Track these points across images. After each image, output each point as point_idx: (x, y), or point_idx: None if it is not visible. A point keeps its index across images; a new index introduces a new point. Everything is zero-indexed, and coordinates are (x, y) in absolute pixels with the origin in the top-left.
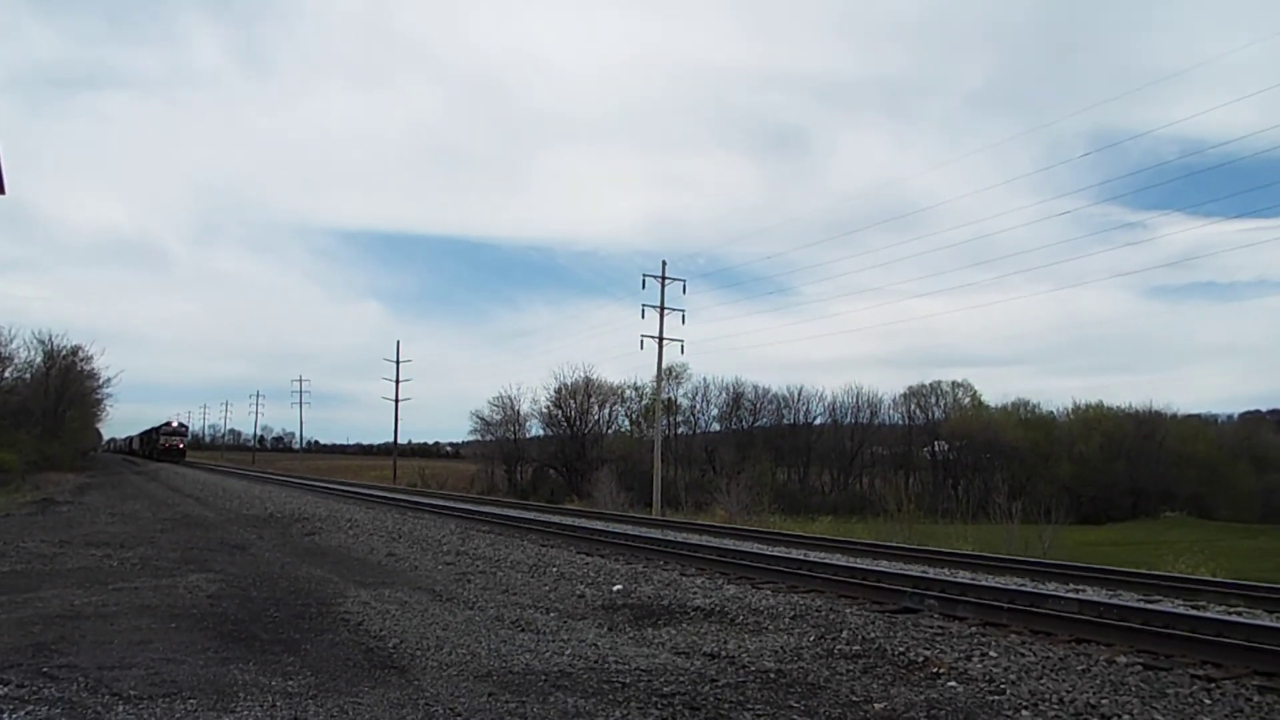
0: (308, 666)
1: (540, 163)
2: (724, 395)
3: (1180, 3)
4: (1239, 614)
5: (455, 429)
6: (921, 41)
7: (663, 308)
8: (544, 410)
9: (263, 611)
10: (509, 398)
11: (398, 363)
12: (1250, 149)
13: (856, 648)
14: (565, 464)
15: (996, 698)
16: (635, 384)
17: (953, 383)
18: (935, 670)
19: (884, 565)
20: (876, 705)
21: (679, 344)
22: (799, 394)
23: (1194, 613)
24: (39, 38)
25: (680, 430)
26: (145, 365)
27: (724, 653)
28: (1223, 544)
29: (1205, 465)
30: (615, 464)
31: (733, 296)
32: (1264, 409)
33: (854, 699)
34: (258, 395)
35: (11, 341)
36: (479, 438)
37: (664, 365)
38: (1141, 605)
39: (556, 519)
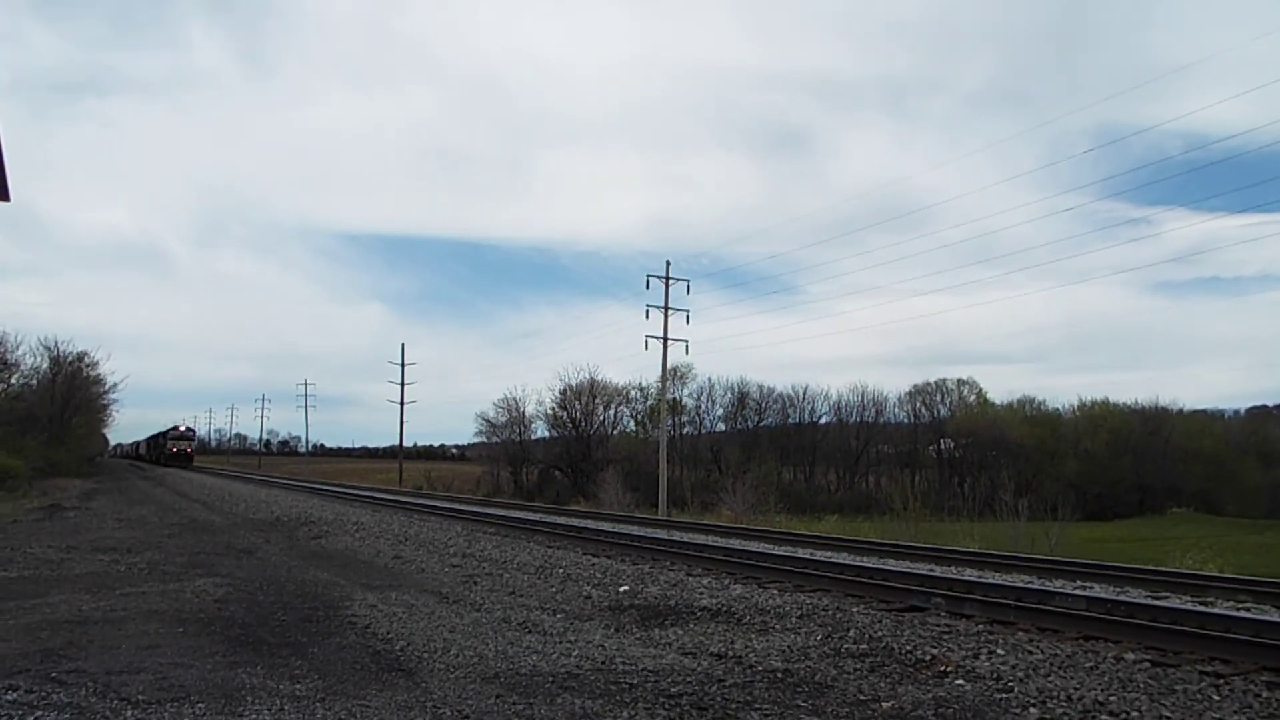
0: (315, 670)
1: (542, 163)
2: (729, 395)
3: None
4: (1247, 610)
5: (460, 431)
6: (923, 40)
7: (667, 308)
8: (549, 412)
9: (270, 615)
10: (514, 399)
11: (402, 365)
12: (1254, 144)
13: (864, 647)
14: (571, 465)
15: (1004, 695)
16: (640, 384)
17: (958, 380)
18: (943, 669)
19: (890, 564)
20: (884, 704)
21: (683, 344)
22: (804, 393)
23: (1202, 609)
24: (42, 43)
25: (685, 430)
26: (150, 370)
27: (731, 653)
28: (1230, 540)
29: (1212, 461)
30: (620, 465)
31: (737, 296)
32: (1270, 404)
33: (861, 698)
34: (263, 399)
35: (18, 348)
36: (484, 440)
37: (668, 365)
38: (1149, 602)
39: (562, 520)
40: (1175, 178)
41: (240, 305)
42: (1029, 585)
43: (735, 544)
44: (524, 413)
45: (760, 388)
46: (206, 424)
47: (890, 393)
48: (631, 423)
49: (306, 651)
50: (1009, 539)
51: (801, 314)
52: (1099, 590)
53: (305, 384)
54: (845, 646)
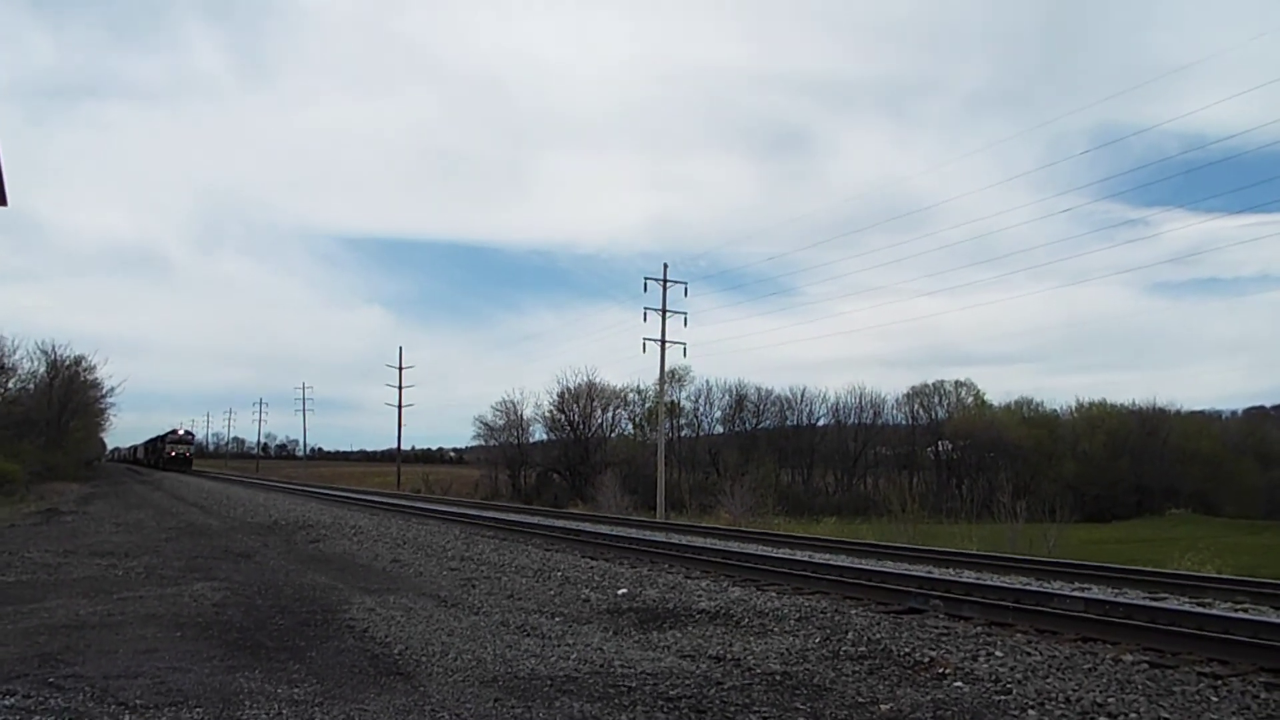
0: (313, 674)
1: (541, 166)
2: (727, 397)
3: None
4: (1245, 611)
5: (459, 434)
6: (921, 40)
7: (664, 310)
8: (547, 414)
9: (268, 619)
10: (512, 402)
11: (400, 368)
12: (1252, 144)
13: (862, 649)
14: (569, 468)
15: (1003, 698)
16: (638, 387)
17: (956, 382)
18: (941, 671)
19: (889, 566)
20: (883, 706)
21: (681, 346)
22: (802, 395)
23: (1200, 610)
24: (40, 47)
25: (684, 433)
26: (148, 374)
27: (729, 655)
28: (1228, 540)
29: (1210, 462)
30: (619, 467)
31: (735, 298)
32: (1268, 405)
33: (860, 700)
34: (261, 403)
35: (15, 352)
36: (482, 443)
37: (667, 368)
38: (1147, 603)
39: (561, 523)
40: (1174, 178)
41: (239, 308)
42: (1027, 587)
43: (733, 546)
44: (522, 416)
45: (758, 390)
46: (204, 428)
47: (888, 394)
48: (630, 425)
49: (305, 655)
50: (1007, 540)
51: (799, 316)
52: (1097, 592)
53: (303, 387)
54: (844, 649)
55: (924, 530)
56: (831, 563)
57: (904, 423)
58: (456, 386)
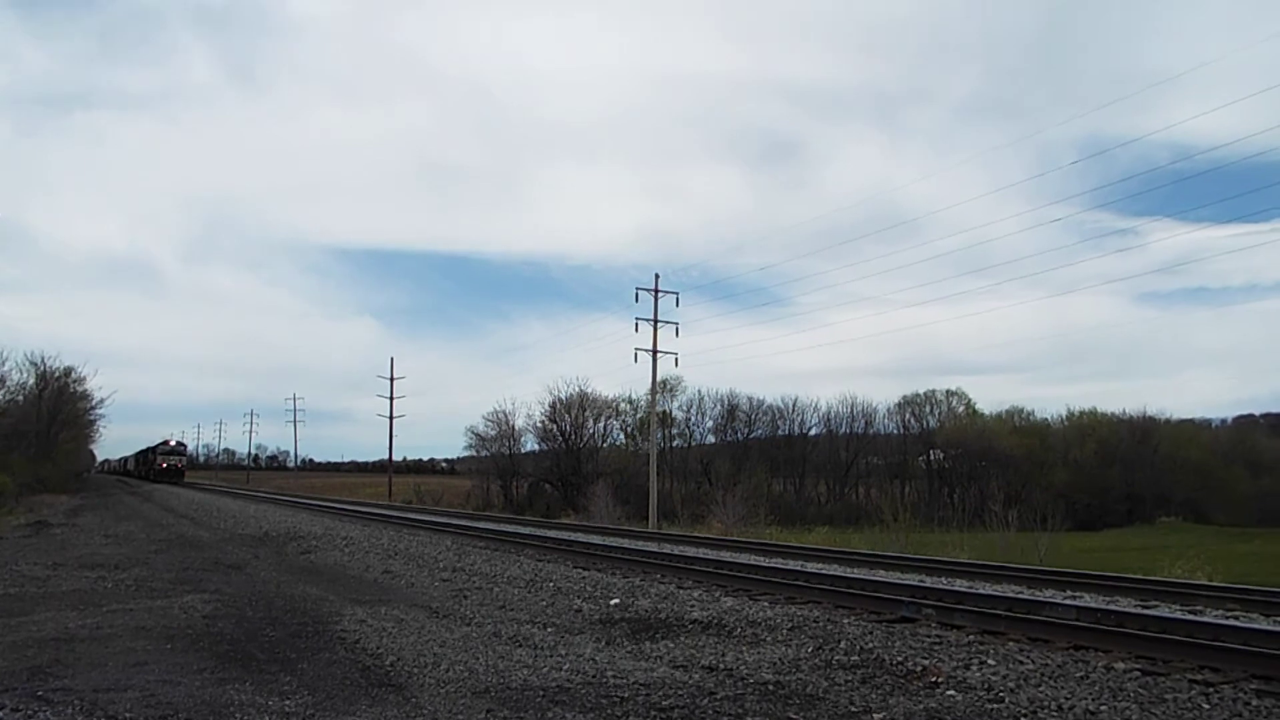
0: (305, 685)
1: (533, 176)
2: (719, 407)
3: (1170, 10)
4: (1236, 618)
5: (450, 445)
6: (912, 50)
7: (656, 320)
8: (539, 425)
9: (259, 631)
10: (504, 413)
11: (391, 379)
12: (1240, 154)
13: (854, 658)
14: (561, 478)
15: (995, 706)
16: (630, 397)
17: (947, 391)
18: (934, 679)
19: (881, 575)
20: (875, 715)
21: (673, 356)
22: (794, 405)
23: (1191, 618)
24: (31, 58)
25: (675, 443)
26: (138, 385)
27: (722, 665)
28: (1219, 548)
29: (1200, 470)
30: (611, 478)
31: (727, 308)
32: (1257, 412)
33: (853, 709)
34: (252, 414)
35: (4, 363)
36: (474, 453)
37: (658, 378)
38: (1139, 611)
39: (552, 534)
40: (1162, 188)
41: (229, 319)
42: (1019, 595)
43: (726, 556)
44: (514, 426)
45: (750, 400)
46: (195, 439)
47: (880, 404)
48: (621, 435)
49: (296, 667)
50: (999, 549)
51: (791, 325)
52: (1089, 600)
53: (294, 398)
54: (836, 658)
55: (916, 539)
56: (824, 572)
57: (895, 432)
58: (448, 397)
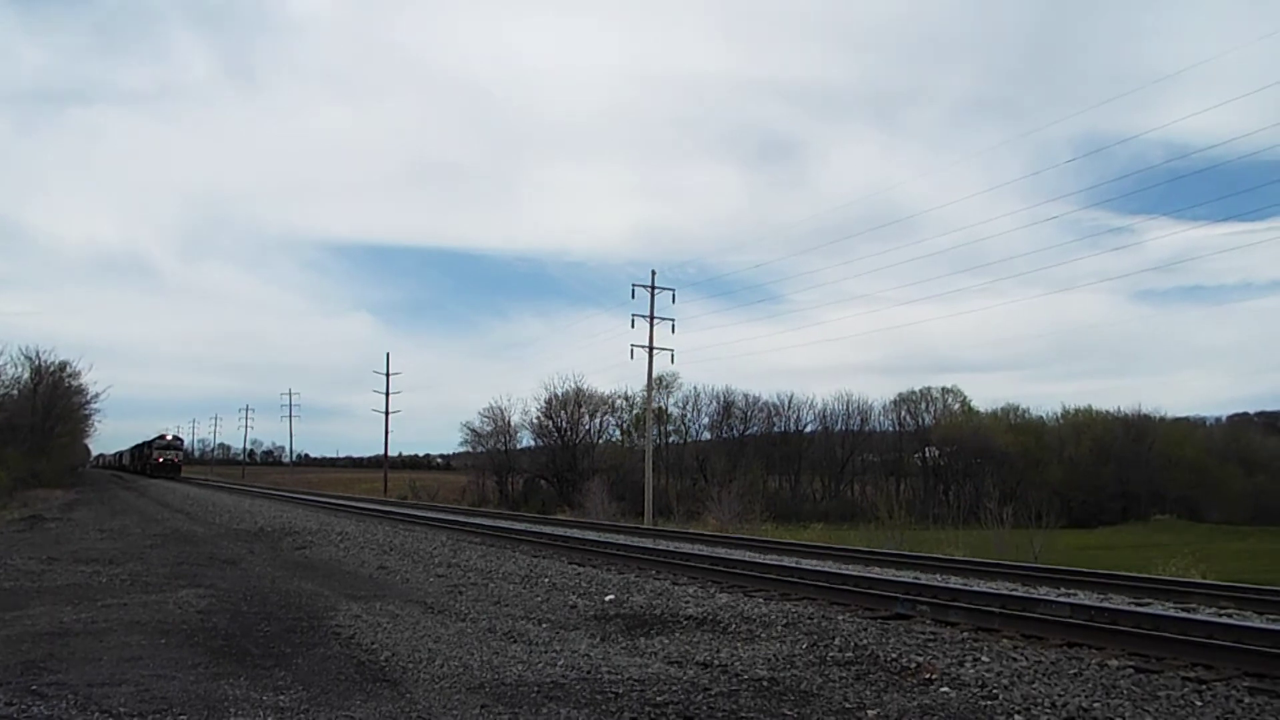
0: (299, 681)
1: (530, 173)
2: (715, 404)
3: (1166, 8)
4: (1229, 616)
5: (446, 441)
6: (908, 49)
7: (652, 317)
8: (535, 421)
9: (254, 626)
10: (499, 409)
11: (387, 375)
12: (1236, 152)
13: (849, 654)
14: (556, 475)
15: (989, 703)
16: (626, 394)
17: (943, 389)
18: (928, 676)
19: (876, 572)
20: (870, 712)
21: (669, 353)
22: (789, 402)
23: (1185, 615)
24: (28, 54)
25: (671, 439)
26: (134, 380)
27: (717, 661)
28: (1213, 546)
29: (1194, 468)
30: (606, 474)
31: (723, 305)
32: (1252, 411)
33: (847, 706)
34: (247, 409)
35: None
36: (470, 449)
37: (654, 374)
38: (1133, 608)
39: (548, 530)
40: (1158, 187)
41: (225, 315)
42: (1013, 593)
43: (721, 553)
44: (509, 422)
45: (746, 396)
46: (190, 434)
47: (875, 401)
48: (617, 432)
49: (290, 662)
50: (993, 546)
51: (787, 323)
52: (1083, 597)
53: (290, 394)
54: (831, 654)
55: (911, 536)
56: (818, 569)
57: (891, 429)
58: (444, 393)
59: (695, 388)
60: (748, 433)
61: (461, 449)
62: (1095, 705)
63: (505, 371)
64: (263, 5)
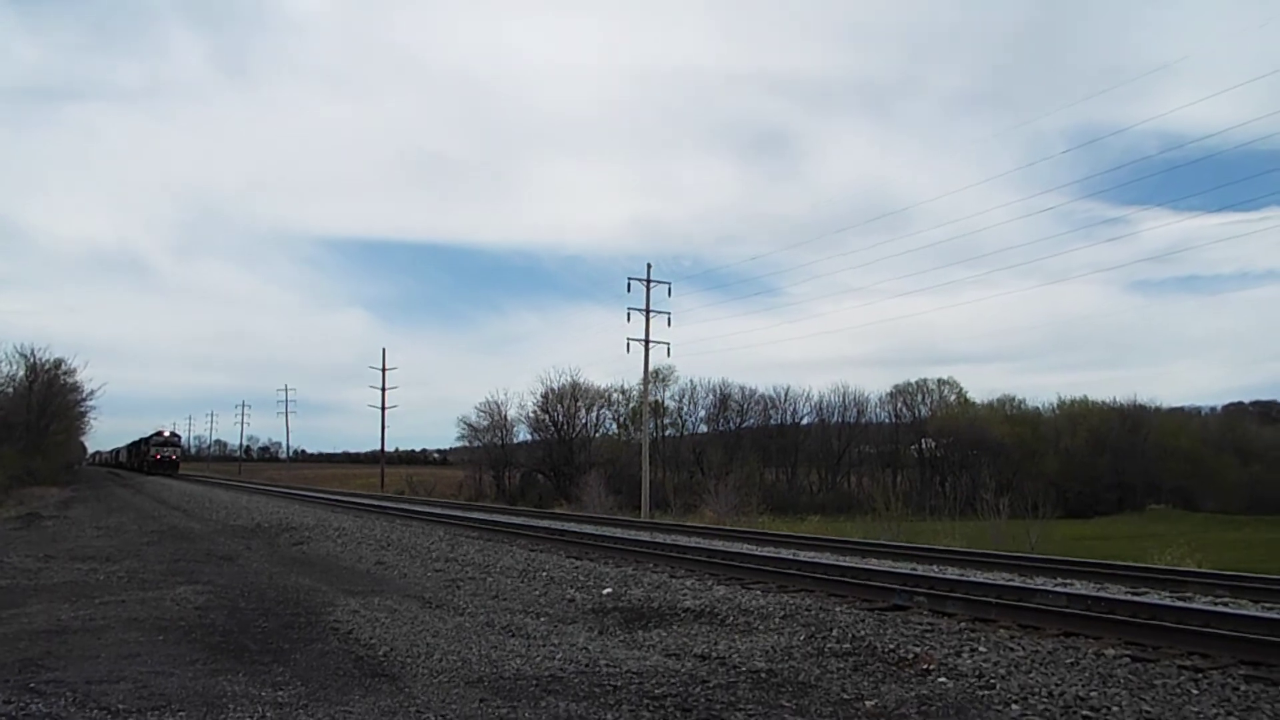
0: (298, 676)
1: (524, 167)
2: (711, 397)
3: None
4: (1225, 605)
5: (442, 436)
6: (901, 41)
7: (648, 310)
8: (531, 415)
9: (251, 622)
10: (496, 403)
11: (384, 370)
12: (1230, 143)
13: (847, 646)
14: (553, 468)
15: (986, 692)
16: (622, 387)
17: (939, 380)
18: (925, 666)
19: (873, 563)
20: (868, 703)
21: (665, 346)
22: (786, 394)
23: (1181, 604)
24: (22, 51)
25: (668, 432)
26: (130, 378)
27: (715, 654)
28: (1208, 536)
29: (1190, 458)
30: (603, 468)
31: (719, 298)
32: (1247, 401)
33: (845, 697)
34: (243, 405)
35: None
36: (466, 444)
37: (651, 368)
38: (1129, 598)
39: (545, 524)
40: (1152, 177)
41: (220, 311)
42: (1010, 583)
43: (718, 545)
44: (506, 416)
45: (742, 389)
46: (186, 431)
47: (871, 393)
48: (614, 425)
49: (289, 658)
50: (990, 537)
51: (783, 315)
52: (1079, 587)
53: (286, 390)
54: (829, 646)
55: (908, 527)
56: (816, 560)
57: (887, 421)
58: (440, 388)
59: (691, 381)
60: (744, 425)
61: (458, 444)
62: (1092, 694)
63: (501, 366)
64: (260, 3)
